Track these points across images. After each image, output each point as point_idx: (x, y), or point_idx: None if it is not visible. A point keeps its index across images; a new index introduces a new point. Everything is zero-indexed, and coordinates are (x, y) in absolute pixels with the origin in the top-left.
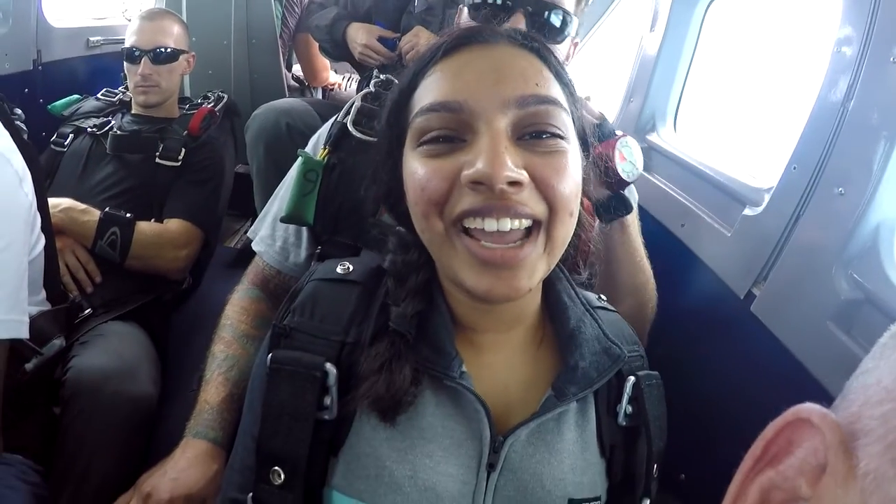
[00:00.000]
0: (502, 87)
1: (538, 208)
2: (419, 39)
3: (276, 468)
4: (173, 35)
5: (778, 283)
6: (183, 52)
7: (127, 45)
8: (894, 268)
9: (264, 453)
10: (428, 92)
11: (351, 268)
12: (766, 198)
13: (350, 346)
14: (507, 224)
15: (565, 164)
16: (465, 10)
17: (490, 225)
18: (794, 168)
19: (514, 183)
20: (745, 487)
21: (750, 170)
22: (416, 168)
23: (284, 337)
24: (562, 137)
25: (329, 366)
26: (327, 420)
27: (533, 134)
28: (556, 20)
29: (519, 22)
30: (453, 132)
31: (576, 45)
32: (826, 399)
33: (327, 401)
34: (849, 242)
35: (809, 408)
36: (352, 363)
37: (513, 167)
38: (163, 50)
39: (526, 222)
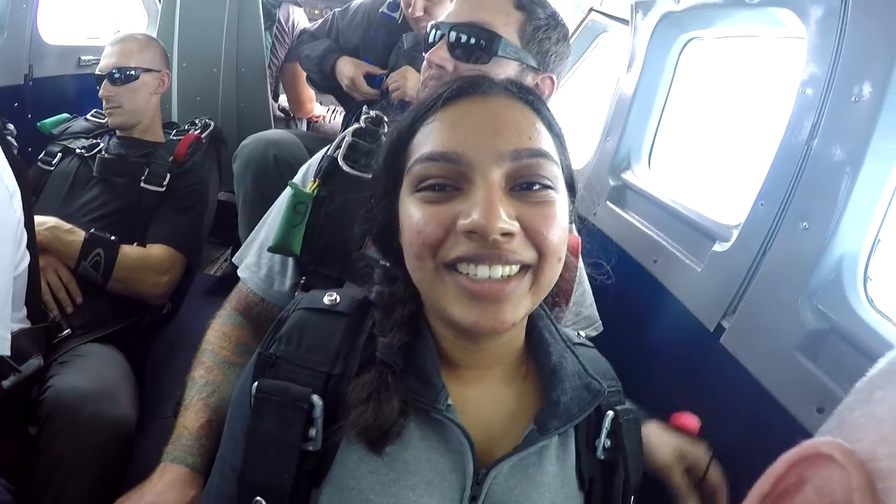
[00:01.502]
0: (498, 140)
1: (528, 255)
2: (407, 81)
3: (259, 499)
4: (133, 55)
5: (746, 316)
6: (147, 70)
7: (95, 72)
8: (858, 298)
9: (247, 483)
10: (427, 140)
11: (338, 299)
12: (735, 233)
13: (336, 378)
14: (499, 271)
15: (554, 214)
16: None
17: (482, 272)
18: (761, 204)
19: (507, 234)
20: None
21: (722, 206)
22: (413, 212)
23: (270, 366)
24: (551, 188)
25: (315, 398)
26: (311, 451)
27: (525, 185)
28: (475, 40)
29: (441, 50)
30: (450, 181)
31: (552, 80)
32: (795, 427)
33: (312, 432)
34: (813, 275)
35: (830, 443)
36: (337, 395)
37: (506, 219)
38: (119, 71)
39: (516, 268)
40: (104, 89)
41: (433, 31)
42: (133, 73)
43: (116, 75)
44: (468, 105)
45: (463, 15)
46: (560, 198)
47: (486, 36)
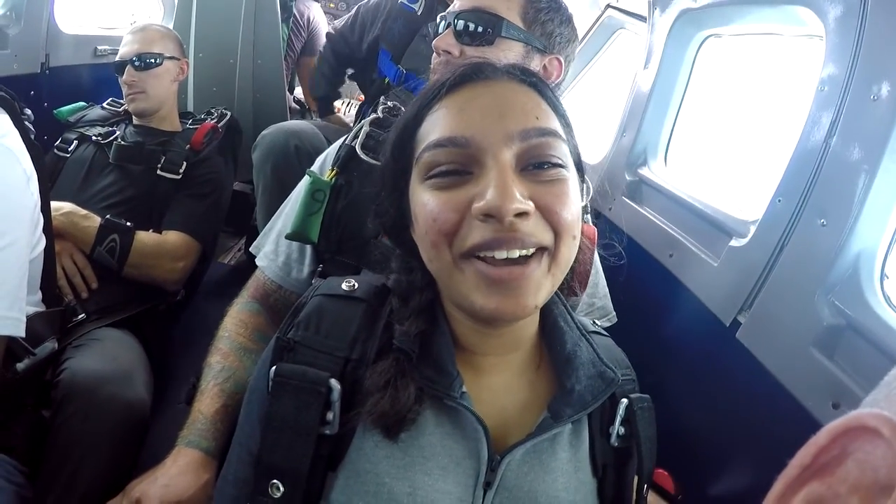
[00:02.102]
0: (506, 122)
1: (545, 236)
2: None
3: (276, 481)
4: (156, 42)
5: (762, 311)
6: (169, 57)
7: (116, 59)
8: (874, 295)
9: (264, 466)
10: (434, 127)
11: (356, 285)
12: (752, 229)
13: (354, 363)
14: (517, 252)
15: (567, 192)
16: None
17: (500, 254)
18: (779, 201)
19: (522, 213)
20: (787, 498)
21: (739, 201)
22: (427, 200)
23: (288, 350)
24: (562, 166)
25: (334, 382)
26: (328, 435)
27: (535, 164)
28: (480, 26)
29: (448, 37)
30: (461, 166)
31: (559, 61)
32: (810, 422)
33: (329, 416)
34: (830, 271)
35: (876, 416)
36: (355, 380)
37: (520, 198)
38: (143, 56)
39: (533, 250)
40: (128, 74)
41: (440, 21)
42: (156, 59)
43: (139, 61)
44: (473, 90)
45: (466, 3)
46: (571, 176)
47: (489, 19)
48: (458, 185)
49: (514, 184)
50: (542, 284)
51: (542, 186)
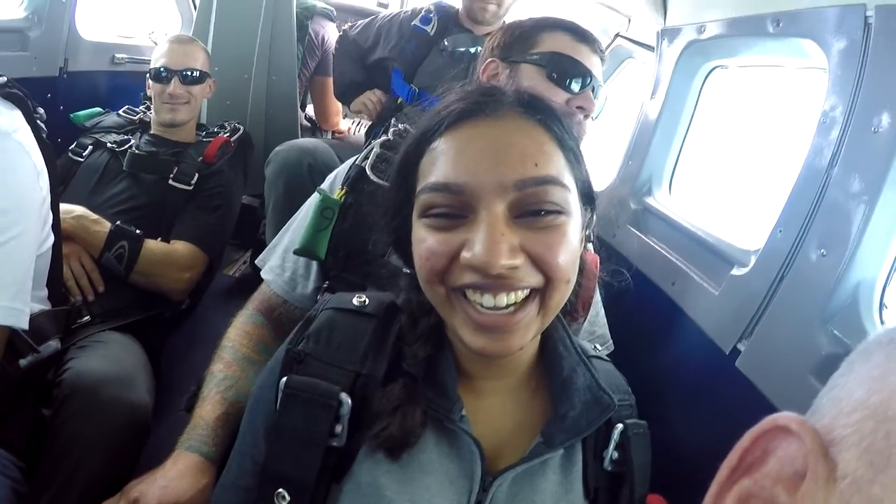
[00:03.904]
0: (502, 170)
1: (534, 280)
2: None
3: (282, 490)
4: (200, 59)
5: (762, 340)
6: (208, 75)
7: (156, 65)
8: (873, 324)
9: (271, 474)
10: (433, 166)
11: (366, 301)
12: (753, 259)
13: (364, 378)
14: (504, 300)
15: (562, 239)
16: (562, 35)
17: (488, 301)
18: (780, 231)
19: (510, 268)
20: (721, 498)
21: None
22: (423, 237)
23: (298, 362)
24: (559, 212)
25: (344, 396)
26: (335, 447)
27: (531, 212)
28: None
29: (589, 94)
30: (456, 210)
31: None
32: None
33: (338, 429)
34: (830, 300)
35: (787, 416)
36: (364, 395)
37: (508, 254)
38: (192, 71)
39: (523, 293)
40: (175, 86)
41: (577, 78)
42: (201, 75)
43: (189, 74)
44: (473, 129)
45: (596, 70)
46: (571, 219)
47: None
48: (453, 227)
49: (504, 239)
50: (530, 327)
51: (535, 234)
